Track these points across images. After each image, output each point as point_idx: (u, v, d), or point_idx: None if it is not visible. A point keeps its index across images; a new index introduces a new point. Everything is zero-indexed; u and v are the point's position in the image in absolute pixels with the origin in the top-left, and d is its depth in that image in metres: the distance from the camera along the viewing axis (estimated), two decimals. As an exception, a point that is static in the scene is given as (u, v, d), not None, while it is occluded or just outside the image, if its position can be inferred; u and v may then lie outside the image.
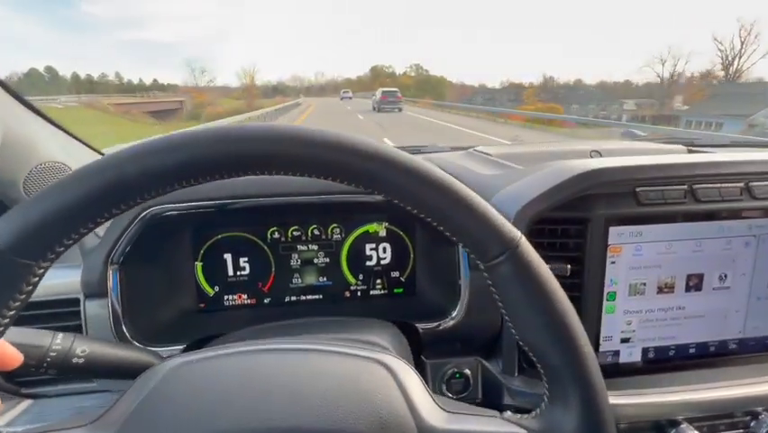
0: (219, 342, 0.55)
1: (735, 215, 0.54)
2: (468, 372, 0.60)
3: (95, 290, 0.50)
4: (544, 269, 0.27)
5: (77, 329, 0.51)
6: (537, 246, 0.28)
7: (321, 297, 0.68)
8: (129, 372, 0.43)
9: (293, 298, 0.68)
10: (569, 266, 0.53)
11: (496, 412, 0.30)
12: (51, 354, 0.37)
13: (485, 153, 0.82)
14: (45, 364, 0.36)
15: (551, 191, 0.52)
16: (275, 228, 0.65)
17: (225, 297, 0.66)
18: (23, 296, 0.23)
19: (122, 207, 0.23)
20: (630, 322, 0.56)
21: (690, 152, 0.84)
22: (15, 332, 0.35)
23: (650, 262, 0.55)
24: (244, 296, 0.67)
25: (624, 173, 0.52)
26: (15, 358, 0.33)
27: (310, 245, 0.67)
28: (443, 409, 0.30)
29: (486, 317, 0.57)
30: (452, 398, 0.59)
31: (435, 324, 0.57)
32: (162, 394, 0.27)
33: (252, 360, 0.30)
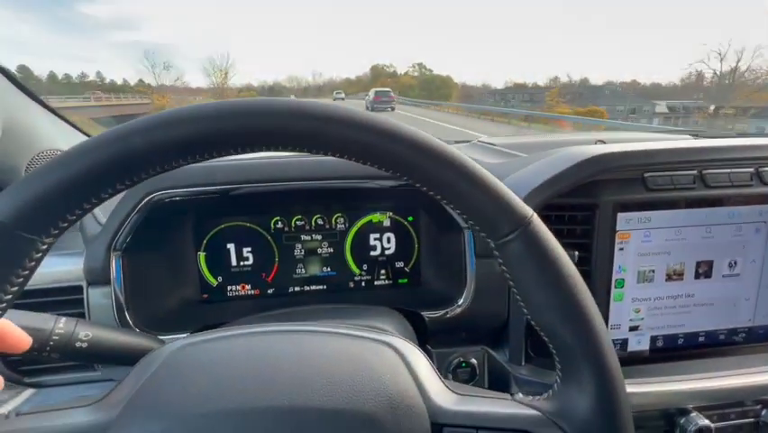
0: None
1: (745, 200, 0.54)
2: (474, 361, 0.60)
3: (97, 277, 0.50)
4: (556, 246, 0.26)
5: (80, 317, 0.51)
6: None
7: (325, 287, 0.68)
8: (132, 357, 0.43)
9: (297, 288, 0.67)
10: (576, 253, 0.53)
11: (507, 395, 0.30)
12: (55, 337, 0.36)
13: (490, 144, 0.81)
14: (48, 348, 0.36)
15: (558, 177, 0.51)
16: (278, 218, 0.65)
17: (228, 287, 0.66)
18: (26, 272, 0.22)
19: (127, 181, 0.23)
20: (639, 310, 0.56)
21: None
22: (19, 315, 0.35)
23: (659, 249, 0.54)
24: (248, 286, 0.66)
25: (632, 158, 0.51)
26: (24, 341, 0.32)
27: (314, 235, 0.66)
28: (453, 392, 0.29)
29: (492, 305, 0.57)
30: None
31: (442, 312, 0.57)
32: (165, 375, 0.27)
33: (257, 341, 0.30)
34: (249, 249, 0.65)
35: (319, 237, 0.66)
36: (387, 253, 0.68)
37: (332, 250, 0.67)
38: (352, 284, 0.68)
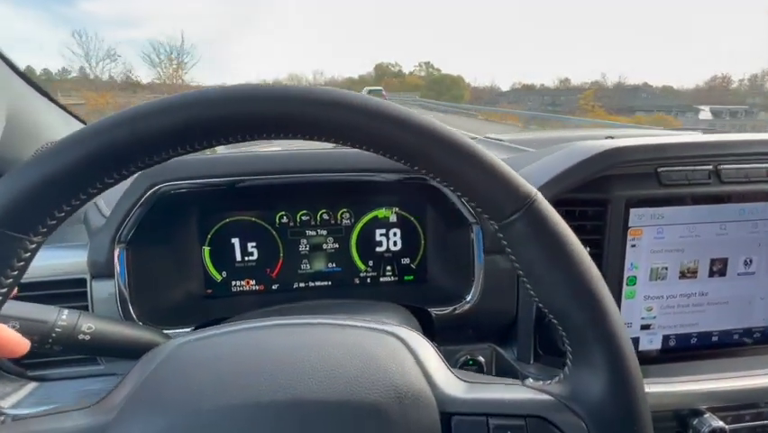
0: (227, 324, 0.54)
1: (762, 197, 0.52)
2: (481, 359, 0.59)
3: (101, 270, 0.50)
4: (562, 225, 0.25)
5: (84, 310, 0.50)
6: None
7: (330, 283, 0.67)
8: (135, 350, 0.42)
9: (301, 284, 0.67)
10: (587, 249, 0.52)
11: (517, 381, 0.29)
12: (57, 329, 0.36)
13: (497, 139, 0.80)
14: (50, 340, 0.35)
15: (569, 171, 0.50)
16: (283, 212, 0.64)
17: (233, 282, 0.65)
18: (15, 272, 0.21)
19: (115, 175, 0.22)
20: (651, 308, 0.54)
21: None
22: (21, 306, 0.34)
23: (672, 246, 0.53)
24: (252, 282, 0.65)
25: (645, 152, 0.50)
26: (21, 344, 0.31)
27: (319, 230, 0.65)
28: (462, 380, 0.28)
29: (501, 302, 0.56)
30: None
31: (450, 308, 0.56)
32: (166, 372, 0.26)
33: (259, 336, 0.29)
34: (253, 244, 0.64)
35: (324, 233, 0.66)
36: (393, 249, 0.67)
37: (337, 246, 0.66)
38: (357, 280, 0.67)
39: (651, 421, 0.26)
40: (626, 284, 0.53)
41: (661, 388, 0.51)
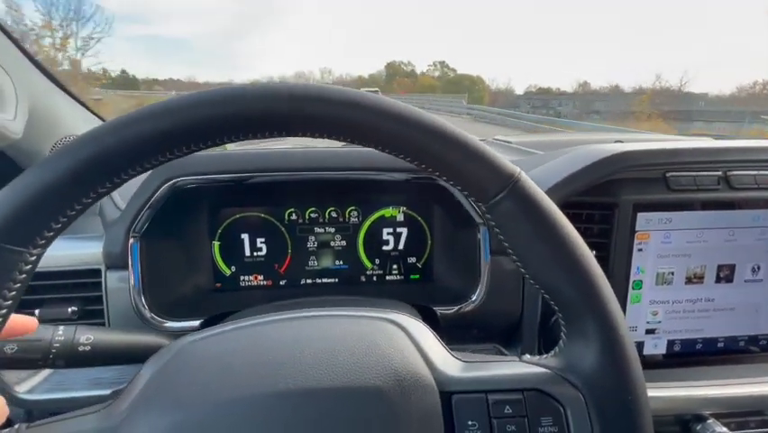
0: (235, 317, 0.55)
1: (771, 203, 0.52)
2: None
3: (116, 261, 0.51)
4: (547, 201, 0.26)
5: (98, 300, 0.52)
6: None
7: (337, 280, 0.68)
8: (139, 356, 0.43)
9: (309, 280, 0.67)
10: (593, 253, 0.52)
11: (514, 357, 0.30)
12: (56, 345, 0.36)
13: (505, 141, 0.80)
14: (52, 356, 0.36)
15: (577, 174, 0.50)
16: (292, 209, 0.65)
17: (241, 277, 0.66)
18: (18, 285, 0.22)
19: (107, 184, 0.22)
20: (656, 313, 0.54)
21: None
22: None
23: (679, 251, 0.53)
24: (260, 277, 0.66)
25: (655, 157, 0.50)
26: (29, 323, 0.32)
27: (327, 228, 0.66)
28: (460, 360, 0.29)
29: (506, 303, 0.56)
30: None
31: (456, 308, 0.56)
32: (172, 370, 0.27)
33: (264, 330, 0.29)
34: (262, 240, 0.65)
35: (332, 230, 0.67)
36: (399, 248, 0.68)
37: (344, 243, 0.67)
38: (363, 278, 0.68)
39: (645, 388, 0.26)
40: (632, 288, 0.53)
41: (664, 392, 0.51)
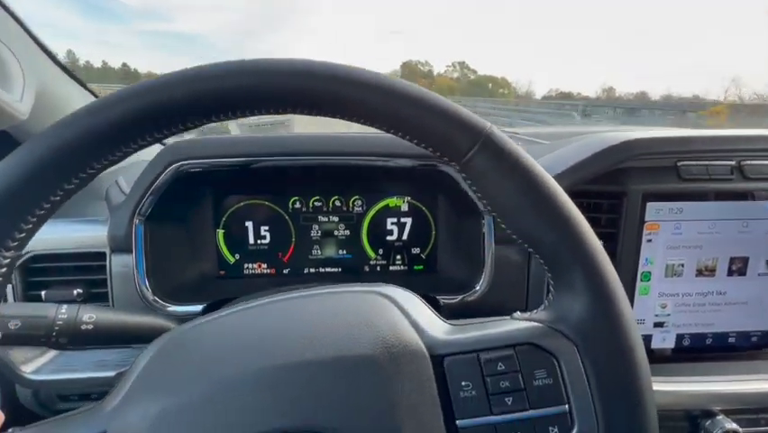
0: (234, 303, 0.55)
1: (787, 194, 0.51)
2: None
3: (120, 244, 0.51)
4: (521, 152, 0.25)
5: (103, 283, 0.52)
6: None
7: (340, 270, 0.68)
8: (141, 337, 0.43)
9: (312, 269, 0.67)
10: (601, 243, 0.51)
11: (505, 317, 0.29)
12: (59, 322, 0.37)
13: (512, 132, 0.79)
14: (55, 333, 0.37)
15: (585, 162, 0.49)
16: (297, 198, 0.65)
17: (245, 265, 0.66)
18: None
19: (74, 181, 0.22)
20: (665, 305, 0.53)
21: None
22: (20, 306, 0.36)
23: (690, 242, 0.51)
24: (264, 265, 0.67)
25: (665, 145, 0.49)
26: None
27: (331, 217, 0.66)
28: (450, 324, 0.29)
29: (509, 294, 0.55)
30: None
31: (459, 297, 0.56)
32: (160, 360, 0.27)
33: (254, 313, 0.29)
34: (266, 228, 0.65)
35: (336, 219, 0.66)
36: (403, 238, 0.67)
37: (348, 233, 0.67)
38: (367, 268, 0.68)
39: (638, 332, 0.26)
40: (641, 279, 0.52)
41: (672, 387, 0.50)
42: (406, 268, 0.68)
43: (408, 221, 0.67)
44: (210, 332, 0.28)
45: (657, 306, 0.53)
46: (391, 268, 0.68)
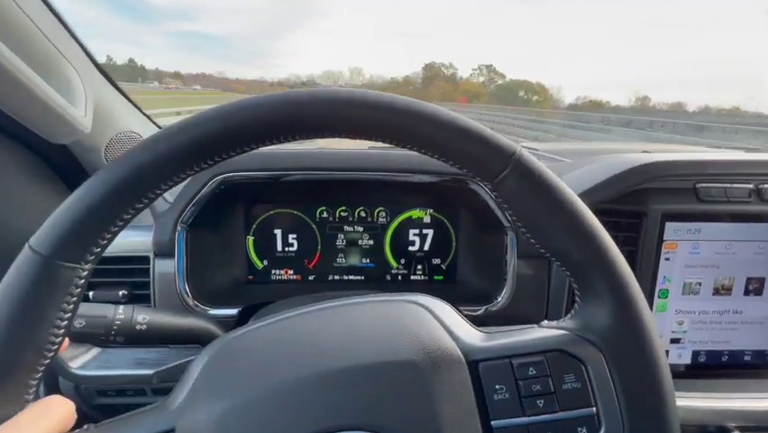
0: (269, 309, 0.58)
1: (804, 218, 0.52)
2: None
3: (164, 249, 0.54)
4: (549, 173, 0.27)
5: (146, 286, 0.55)
6: None
7: (363, 278, 0.70)
8: (187, 337, 0.46)
9: (336, 277, 0.70)
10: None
11: (533, 325, 0.31)
12: (117, 322, 0.40)
13: (532, 149, 0.81)
14: (113, 332, 0.40)
15: (607, 182, 0.51)
16: (324, 207, 0.68)
17: (273, 271, 0.69)
18: (75, 299, 0.24)
19: (144, 200, 0.24)
20: (682, 322, 0.55)
21: None
22: (83, 307, 0.38)
23: (707, 262, 0.53)
24: (290, 271, 0.69)
25: (686, 167, 0.51)
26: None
27: (356, 227, 0.69)
28: (482, 332, 0.31)
29: (530, 307, 0.57)
30: None
31: (483, 308, 0.58)
32: (218, 363, 0.29)
33: (297, 321, 0.31)
34: (294, 236, 0.68)
35: (361, 229, 0.69)
36: (425, 249, 0.70)
37: (372, 242, 0.69)
38: (389, 277, 0.70)
39: (658, 338, 0.27)
40: (658, 297, 0.54)
41: (688, 403, 0.51)
42: (426, 278, 0.70)
43: (430, 233, 0.70)
44: (261, 339, 0.30)
45: (674, 322, 0.55)
46: (412, 277, 0.70)
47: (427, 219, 0.69)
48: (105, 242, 0.24)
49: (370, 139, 0.27)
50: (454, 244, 0.70)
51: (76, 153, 0.58)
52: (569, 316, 0.30)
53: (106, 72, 0.62)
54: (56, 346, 0.24)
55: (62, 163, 0.60)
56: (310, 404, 0.26)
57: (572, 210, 0.27)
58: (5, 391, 0.23)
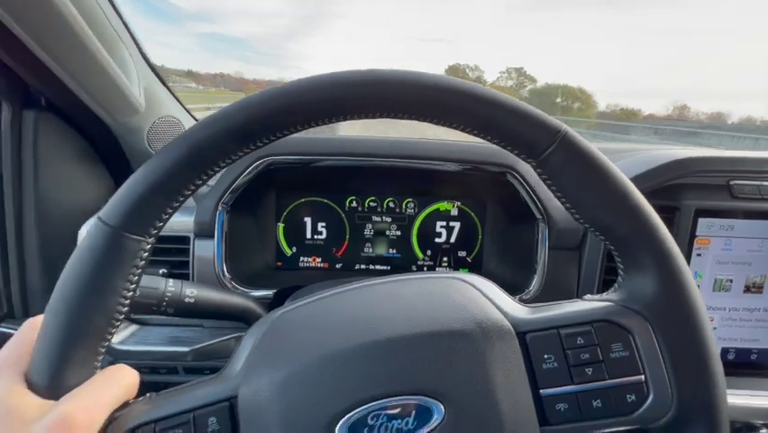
0: (304, 291, 0.59)
1: (839, 217, 0.52)
2: None
3: (204, 230, 0.56)
4: (594, 150, 0.28)
5: (185, 265, 0.57)
6: None
7: (389, 268, 0.71)
8: (231, 313, 0.48)
9: (362, 266, 0.71)
10: None
11: (576, 299, 0.32)
12: (168, 294, 0.42)
13: None
14: (165, 303, 0.42)
15: (642, 176, 0.52)
16: (353, 197, 0.69)
17: (301, 258, 0.71)
18: (140, 270, 0.26)
19: (203, 176, 0.26)
20: (711, 319, 0.55)
21: None
22: None
23: (739, 259, 0.53)
24: (318, 259, 0.71)
25: (720, 164, 0.52)
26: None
27: (384, 217, 0.70)
28: (527, 306, 0.32)
29: (560, 298, 0.58)
30: None
31: (514, 297, 0.58)
32: (275, 335, 0.30)
33: (347, 297, 0.32)
34: (323, 224, 0.70)
35: (389, 220, 0.70)
36: (451, 241, 0.71)
37: (399, 233, 0.71)
38: (414, 267, 0.71)
39: (704, 306, 0.28)
40: (689, 292, 0.54)
41: (716, 398, 0.52)
42: (451, 270, 0.71)
43: (457, 225, 0.70)
44: (313, 313, 0.31)
45: (703, 319, 0.55)
46: (438, 269, 0.71)
47: (455, 212, 0.70)
48: (166, 216, 0.26)
49: (424, 120, 0.28)
50: (480, 237, 0.71)
51: (119, 135, 0.60)
52: (612, 289, 0.31)
53: (148, 58, 0.64)
54: (122, 315, 0.26)
55: (105, 147, 0.62)
56: (369, 371, 0.27)
57: (617, 184, 0.28)
58: (79, 356, 0.24)
